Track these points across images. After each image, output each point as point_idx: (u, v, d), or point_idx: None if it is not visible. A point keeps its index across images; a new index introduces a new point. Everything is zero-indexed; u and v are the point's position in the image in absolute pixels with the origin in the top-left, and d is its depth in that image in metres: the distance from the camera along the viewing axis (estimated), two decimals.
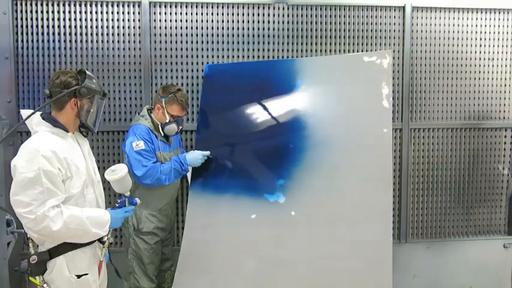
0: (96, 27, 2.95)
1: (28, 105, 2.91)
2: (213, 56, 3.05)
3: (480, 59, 3.27)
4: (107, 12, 2.95)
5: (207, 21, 3.03)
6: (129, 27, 2.97)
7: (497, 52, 3.29)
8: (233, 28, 3.06)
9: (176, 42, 3.03)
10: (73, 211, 1.79)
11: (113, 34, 2.97)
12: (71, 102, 1.87)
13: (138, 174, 2.43)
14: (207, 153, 2.63)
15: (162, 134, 2.61)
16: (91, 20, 2.94)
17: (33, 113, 1.80)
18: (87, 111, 1.92)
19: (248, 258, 2.41)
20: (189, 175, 2.75)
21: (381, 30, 3.15)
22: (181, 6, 3.01)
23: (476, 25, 3.25)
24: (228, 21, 3.05)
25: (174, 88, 2.59)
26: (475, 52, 3.27)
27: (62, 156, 1.79)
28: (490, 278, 3.37)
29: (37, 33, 2.92)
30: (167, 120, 2.57)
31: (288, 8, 3.08)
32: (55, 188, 1.74)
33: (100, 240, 1.93)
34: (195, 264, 2.44)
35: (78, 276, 1.84)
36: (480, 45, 3.26)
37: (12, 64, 2.88)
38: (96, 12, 2.94)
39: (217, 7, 3.03)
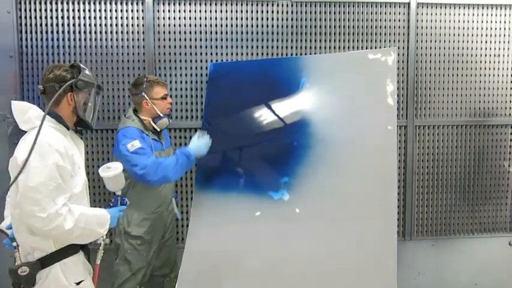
0: (100, 25, 2.95)
1: (33, 103, 2.90)
2: (216, 54, 3.05)
3: (486, 55, 3.25)
4: (110, 10, 2.95)
5: (210, 18, 3.02)
6: (132, 25, 2.97)
7: (503, 48, 3.26)
8: (237, 25, 3.05)
9: (180, 39, 3.02)
10: (81, 209, 1.72)
11: (116, 32, 2.97)
12: (68, 97, 1.80)
13: (140, 173, 2.28)
14: (208, 140, 2.53)
15: (158, 129, 2.54)
16: (95, 18, 2.94)
17: (45, 115, 1.70)
18: (84, 105, 1.86)
19: (253, 256, 2.41)
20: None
21: (385, 27, 3.13)
22: (184, 4, 3.00)
23: (482, 21, 3.23)
24: (231, 19, 3.04)
25: (141, 78, 2.56)
26: (481, 48, 3.25)
27: (70, 153, 1.75)
28: (495, 276, 3.36)
29: (41, 32, 2.92)
30: (159, 113, 2.52)
31: (291, 5, 3.07)
32: (65, 185, 1.68)
33: (94, 242, 1.86)
34: (200, 262, 2.44)
35: (77, 283, 1.77)
36: (486, 42, 3.24)
37: (16, 63, 2.88)
38: (100, 10, 2.94)
39: (221, 4, 3.02)
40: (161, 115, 2.54)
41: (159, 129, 2.56)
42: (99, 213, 1.81)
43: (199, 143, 2.50)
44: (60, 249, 1.74)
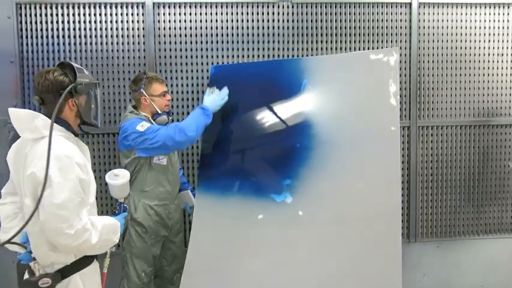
0: (101, 29, 2.94)
1: (34, 109, 2.89)
2: (217, 56, 3.04)
3: (489, 54, 3.22)
4: (110, 14, 2.94)
5: (211, 21, 3.01)
6: (133, 29, 2.96)
7: (507, 47, 3.23)
8: (238, 28, 3.03)
9: (180, 42, 3.01)
10: (101, 221, 1.70)
11: (117, 36, 2.96)
12: (69, 103, 1.72)
13: (163, 141, 2.33)
14: (225, 93, 2.60)
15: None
16: (95, 22, 2.93)
17: (52, 125, 1.59)
18: (88, 108, 1.79)
19: (255, 259, 2.39)
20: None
21: (387, 27, 3.11)
22: (184, 7, 2.99)
23: (485, 20, 3.20)
24: (232, 21, 3.03)
25: (141, 75, 2.59)
26: (484, 48, 3.22)
27: (85, 163, 1.69)
28: (501, 277, 3.32)
29: (42, 37, 2.91)
30: (158, 110, 2.54)
31: (292, 7, 3.05)
32: (86, 197, 1.65)
33: None
34: (202, 265, 2.43)
35: None
36: (489, 41, 3.21)
37: (17, 68, 2.88)
38: (100, 14, 2.94)
39: (221, 7, 3.00)
40: (160, 112, 2.56)
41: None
42: (111, 221, 1.79)
43: (212, 98, 2.57)
44: (79, 259, 1.72)
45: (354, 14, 3.09)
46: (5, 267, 2.85)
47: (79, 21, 2.92)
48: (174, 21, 3.00)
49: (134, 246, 2.49)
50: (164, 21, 2.99)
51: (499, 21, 3.21)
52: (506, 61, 3.23)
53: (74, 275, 1.70)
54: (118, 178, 1.97)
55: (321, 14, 3.07)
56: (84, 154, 1.79)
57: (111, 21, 2.95)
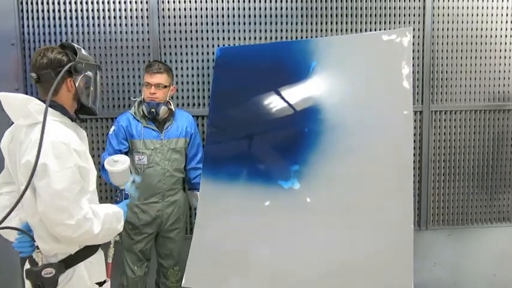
0: (103, 9, 2.86)
1: (36, 92, 2.85)
2: (223, 38, 2.95)
3: (506, 36, 3.10)
4: None
5: (217, 1, 2.91)
6: (136, 10, 2.88)
7: None
8: (244, 8, 2.94)
9: (185, 24, 2.92)
10: (103, 209, 1.63)
11: (120, 17, 2.88)
12: (67, 83, 1.62)
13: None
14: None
15: (157, 117, 2.55)
16: (97, 2, 2.85)
17: (46, 108, 1.47)
18: (86, 89, 1.69)
19: (262, 246, 2.34)
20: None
21: (400, 8, 3.00)
22: None
23: (502, 0, 3.07)
24: (239, 1, 2.93)
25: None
26: (500, 29, 3.11)
27: (84, 150, 1.61)
28: None
29: (43, 18, 2.84)
30: (145, 97, 2.55)
31: None
32: (86, 185, 1.58)
33: None
34: (207, 252, 2.38)
35: (99, 284, 1.71)
36: (506, 22, 3.09)
37: (18, 50, 2.81)
38: None
39: None
40: (144, 101, 2.56)
41: (158, 117, 2.55)
42: (115, 210, 1.71)
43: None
44: (82, 248, 1.66)
45: None
46: (8, 251, 2.83)
47: (81, 2, 2.84)
48: (179, 1, 2.91)
49: (123, 242, 2.61)
50: (168, 1, 2.90)
51: None
52: None
53: (78, 265, 1.65)
54: (117, 164, 1.88)
55: None
56: (82, 140, 1.70)
57: (114, 2, 2.86)
